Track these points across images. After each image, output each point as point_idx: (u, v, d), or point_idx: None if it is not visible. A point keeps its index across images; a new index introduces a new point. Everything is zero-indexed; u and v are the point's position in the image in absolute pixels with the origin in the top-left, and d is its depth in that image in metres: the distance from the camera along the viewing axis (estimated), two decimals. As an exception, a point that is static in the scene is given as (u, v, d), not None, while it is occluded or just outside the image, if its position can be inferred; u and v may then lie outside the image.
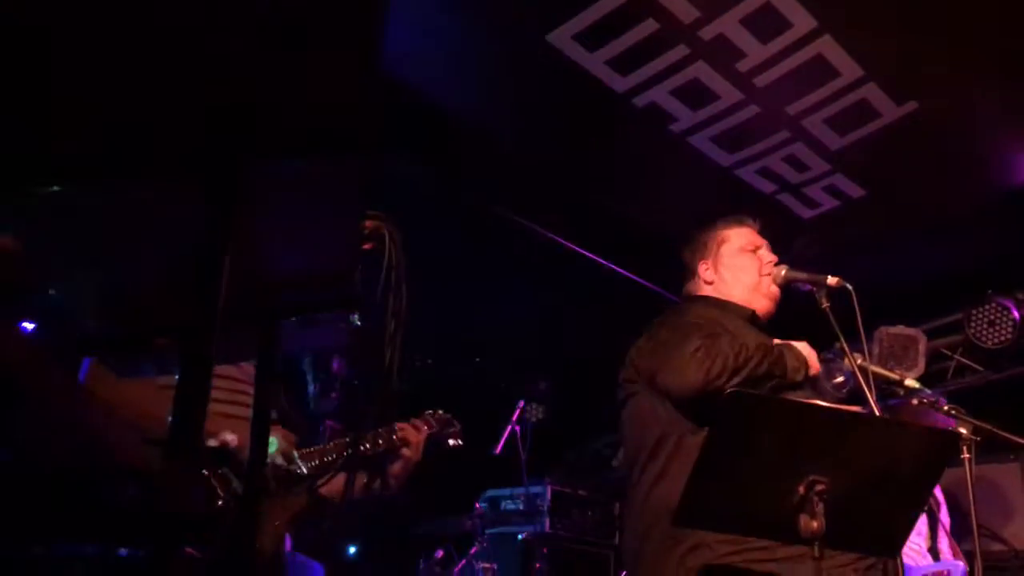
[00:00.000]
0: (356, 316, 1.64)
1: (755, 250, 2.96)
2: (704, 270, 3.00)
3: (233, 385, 2.63)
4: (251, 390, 2.67)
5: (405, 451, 2.79)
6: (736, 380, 2.47)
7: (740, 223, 3.04)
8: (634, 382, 2.77)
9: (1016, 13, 3.41)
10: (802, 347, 2.71)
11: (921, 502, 2.28)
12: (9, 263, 1.33)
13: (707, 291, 2.98)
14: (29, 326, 1.40)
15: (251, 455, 1.62)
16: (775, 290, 2.91)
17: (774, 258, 2.95)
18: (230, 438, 2.37)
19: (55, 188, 1.23)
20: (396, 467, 2.80)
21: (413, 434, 2.82)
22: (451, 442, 3.07)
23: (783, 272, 2.89)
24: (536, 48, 3.55)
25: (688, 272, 3.06)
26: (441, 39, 3.52)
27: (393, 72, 3.53)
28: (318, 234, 1.39)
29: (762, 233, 3.05)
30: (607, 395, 2.95)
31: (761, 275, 2.91)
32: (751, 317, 2.89)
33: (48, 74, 1.11)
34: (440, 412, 3.06)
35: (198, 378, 1.15)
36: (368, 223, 1.61)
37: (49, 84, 1.12)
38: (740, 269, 2.94)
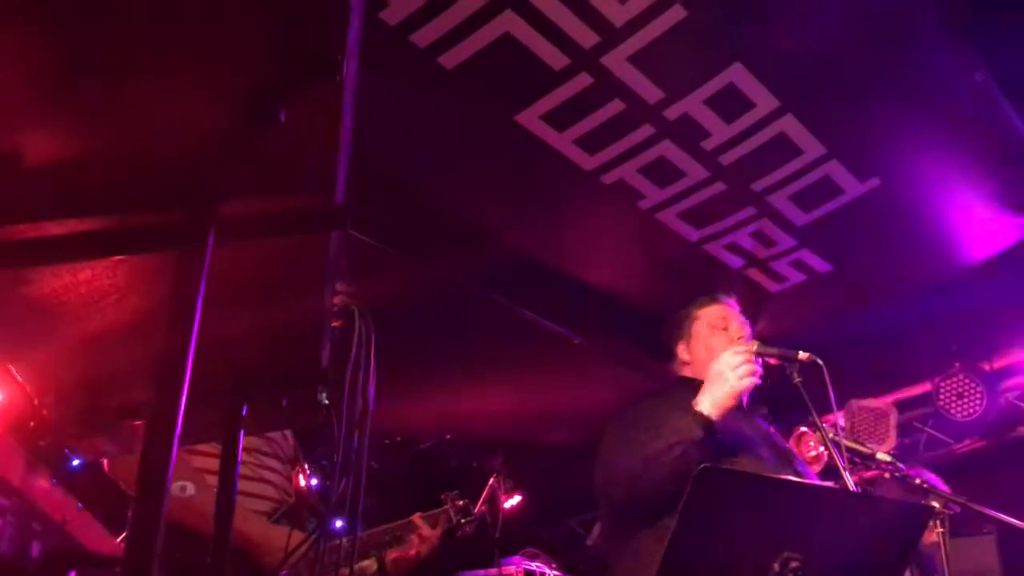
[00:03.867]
0: (324, 394, 1.62)
1: (726, 328, 2.99)
2: (681, 351, 3.06)
3: (259, 460, 2.57)
4: (274, 464, 2.62)
5: (416, 543, 2.77)
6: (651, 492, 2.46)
7: (713, 301, 3.09)
8: None
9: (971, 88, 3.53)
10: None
11: (897, 578, 2.26)
12: None
13: (686, 372, 3.03)
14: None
15: (216, 539, 1.58)
16: None
17: (743, 334, 2.96)
18: None
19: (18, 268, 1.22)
20: (408, 556, 2.77)
21: (428, 531, 2.81)
22: (464, 530, 3.03)
23: (753, 348, 2.89)
24: (505, 128, 3.60)
25: (669, 353, 3.09)
26: (409, 117, 3.55)
27: (360, 149, 3.55)
28: (286, 312, 1.39)
29: (741, 307, 3.08)
30: (580, 473, 2.93)
31: None
32: None
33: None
34: (460, 501, 3.01)
35: (162, 459, 1.13)
36: (337, 300, 1.61)
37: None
38: (711, 348, 2.95)
